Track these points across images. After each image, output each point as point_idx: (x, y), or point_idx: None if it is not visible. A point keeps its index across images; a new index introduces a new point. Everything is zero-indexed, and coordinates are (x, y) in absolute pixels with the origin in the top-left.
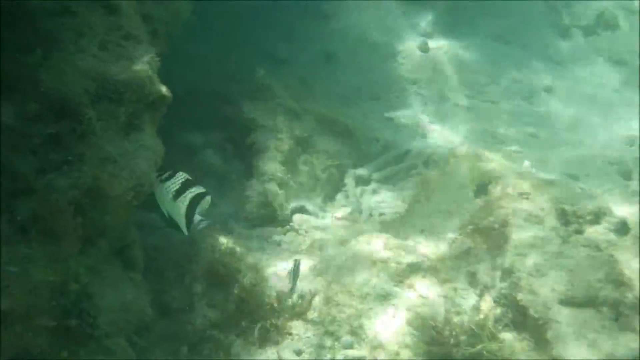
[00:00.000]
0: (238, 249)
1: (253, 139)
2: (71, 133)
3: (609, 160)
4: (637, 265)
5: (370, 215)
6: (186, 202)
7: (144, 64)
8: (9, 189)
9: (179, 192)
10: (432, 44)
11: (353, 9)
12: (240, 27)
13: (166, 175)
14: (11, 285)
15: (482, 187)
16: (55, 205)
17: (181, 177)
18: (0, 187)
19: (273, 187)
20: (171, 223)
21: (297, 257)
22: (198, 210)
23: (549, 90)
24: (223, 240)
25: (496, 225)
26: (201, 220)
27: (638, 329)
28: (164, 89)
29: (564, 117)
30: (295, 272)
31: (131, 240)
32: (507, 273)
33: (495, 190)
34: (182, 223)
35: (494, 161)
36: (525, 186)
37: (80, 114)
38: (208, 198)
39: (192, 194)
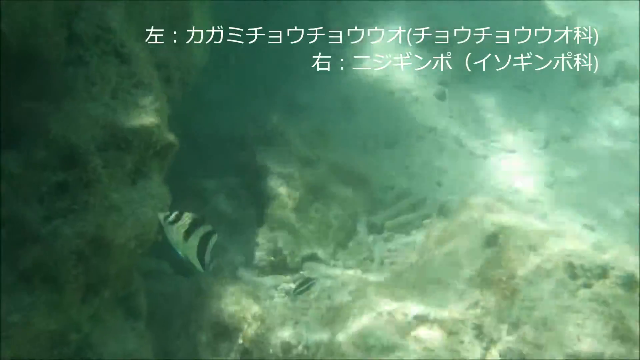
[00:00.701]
0: (244, 298)
1: (265, 186)
2: (77, 181)
3: (627, 211)
4: None
5: (382, 263)
6: (197, 242)
7: (153, 112)
8: (14, 238)
9: (189, 232)
10: (450, 91)
11: (371, 54)
12: (261, 72)
13: (173, 216)
14: (13, 335)
15: (492, 239)
16: (59, 254)
17: (188, 217)
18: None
19: (284, 234)
20: (186, 263)
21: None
22: (209, 248)
23: (567, 139)
24: (230, 289)
25: (504, 278)
26: (212, 259)
27: None
28: (171, 137)
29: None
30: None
31: (135, 289)
32: (514, 326)
33: (505, 242)
34: (196, 262)
35: (504, 212)
36: (534, 239)
37: (87, 162)
38: (215, 236)
39: (202, 233)
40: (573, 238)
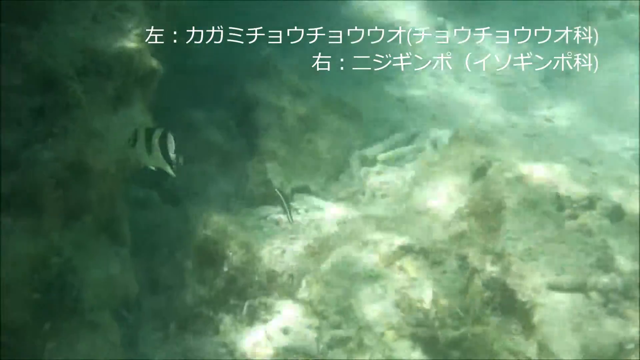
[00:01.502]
0: (230, 227)
1: (255, 117)
2: (56, 106)
3: (624, 146)
4: (630, 251)
5: (373, 196)
6: (158, 149)
7: (135, 38)
8: None
9: (148, 144)
10: (450, 24)
11: None
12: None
13: (132, 138)
14: None
15: (481, 171)
16: (38, 178)
17: (142, 131)
18: None
19: (274, 166)
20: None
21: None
22: (170, 149)
23: (567, 72)
24: (215, 218)
25: (490, 209)
26: (178, 159)
27: (625, 315)
28: (154, 63)
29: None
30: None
31: (118, 215)
32: (498, 257)
33: (493, 175)
34: (167, 168)
35: (495, 144)
36: (522, 170)
37: (66, 87)
38: (170, 135)
39: (157, 138)
40: (562, 171)
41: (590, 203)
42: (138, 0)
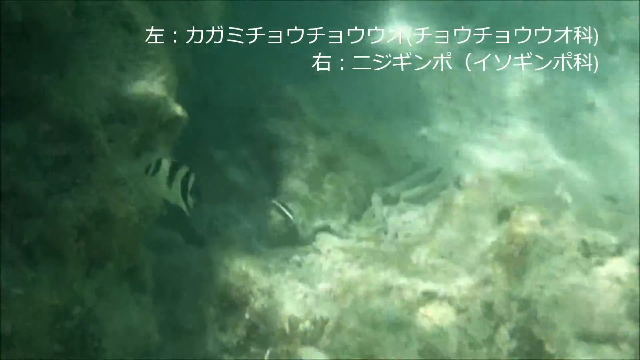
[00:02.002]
0: (252, 271)
1: (277, 157)
2: (81, 154)
3: None
4: None
5: (396, 236)
6: (179, 185)
7: (159, 85)
8: (18, 211)
9: (171, 178)
10: (471, 57)
11: (393, 18)
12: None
13: (152, 167)
14: (15, 308)
15: (505, 213)
16: (61, 228)
17: (166, 163)
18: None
19: (295, 205)
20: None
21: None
22: (188, 189)
23: (591, 108)
24: (237, 262)
25: (516, 254)
26: (192, 201)
27: None
28: (179, 110)
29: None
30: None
31: (140, 262)
32: (525, 304)
33: (518, 217)
34: (182, 205)
35: (519, 185)
36: (548, 214)
37: (90, 135)
38: (193, 175)
39: (182, 176)
40: (589, 213)
41: (617, 250)
42: (163, 48)
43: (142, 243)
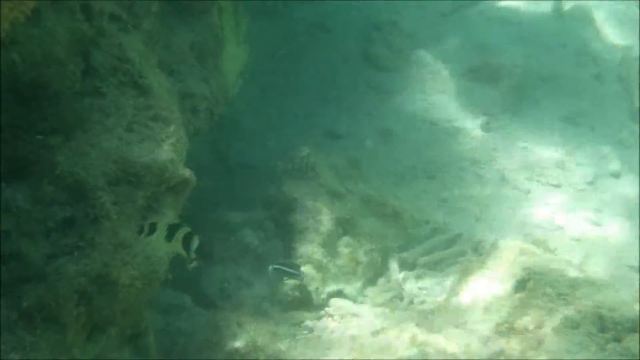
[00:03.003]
0: (260, 339)
1: (292, 220)
2: (84, 217)
3: None
4: None
5: (411, 302)
6: (180, 239)
7: (168, 147)
8: (18, 274)
9: (169, 238)
10: (495, 123)
11: (415, 84)
12: (301, 101)
13: (147, 228)
14: None
15: (522, 284)
16: (61, 293)
17: (163, 225)
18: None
19: (309, 270)
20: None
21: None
22: (192, 247)
23: (616, 175)
24: (247, 327)
25: (531, 327)
26: (193, 261)
27: None
28: (187, 173)
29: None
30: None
31: (144, 327)
32: None
33: (534, 289)
34: (183, 254)
35: (537, 256)
36: (564, 287)
37: (95, 198)
38: (196, 237)
39: (183, 234)
40: (606, 287)
41: (633, 325)
42: (175, 109)
43: (149, 305)
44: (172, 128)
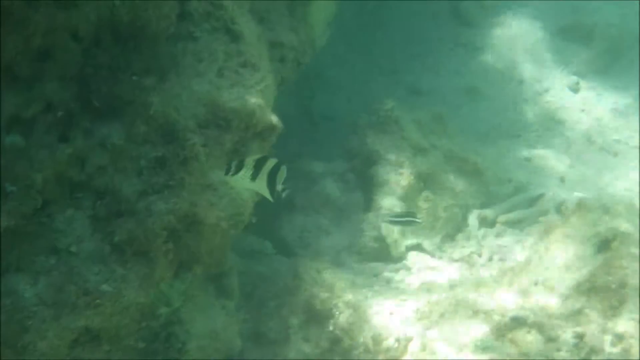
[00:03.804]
0: (338, 284)
1: (373, 172)
2: (175, 158)
3: None
4: None
5: (490, 259)
6: (265, 176)
7: (257, 93)
8: (112, 210)
9: (255, 174)
10: (585, 84)
11: (504, 42)
12: (387, 56)
13: (233, 168)
14: (103, 304)
15: (605, 244)
16: (151, 229)
17: (251, 161)
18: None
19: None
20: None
21: None
22: (279, 178)
23: None
24: (326, 274)
25: (613, 286)
26: (284, 189)
27: None
28: (274, 119)
29: None
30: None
31: (228, 268)
32: (619, 338)
33: (618, 249)
34: (265, 192)
35: (622, 216)
36: None
37: (185, 139)
38: (284, 167)
39: (269, 167)
40: None
41: None
42: (264, 57)
43: (232, 249)
44: (261, 75)
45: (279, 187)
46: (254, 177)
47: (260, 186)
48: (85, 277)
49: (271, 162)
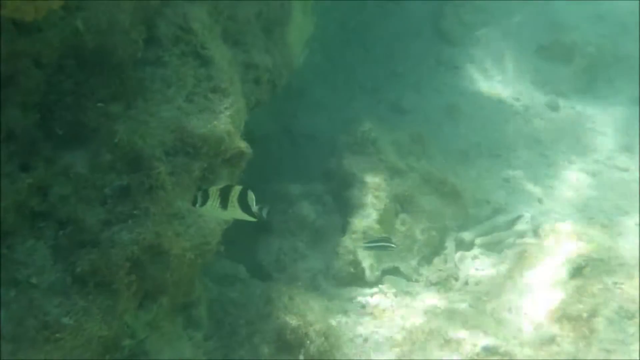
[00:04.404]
0: (311, 313)
1: (350, 194)
2: (140, 186)
3: None
4: None
5: (466, 283)
6: (236, 203)
7: (226, 119)
8: (75, 240)
9: (224, 202)
10: (564, 102)
11: (484, 60)
12: (369, 74)
13: (200, 199)
14: (64, 337)
15: (578, 270)
16: (113, 259)
17: (215, 191)
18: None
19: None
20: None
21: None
22: (250, 200)
23: None
24: (298, 300)
25: (585, 315)
26: (261, 208)
27: None
28: (243, 145)
29: None
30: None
31: (196, 298)
32: None
33: (589, 276)
34: (244, 217)
35: (595, 243)
36: (621, 276)
37: (151, 168)
38: (250, 192)
39: (237, 194)
40: None
41: None
42: (236, 80)
43: (204, 274)
44: (230, 100)
45: (255, 208)
46: (224, 206)
47: (235, 213)
48: (45, 309)
49: (237, 190)
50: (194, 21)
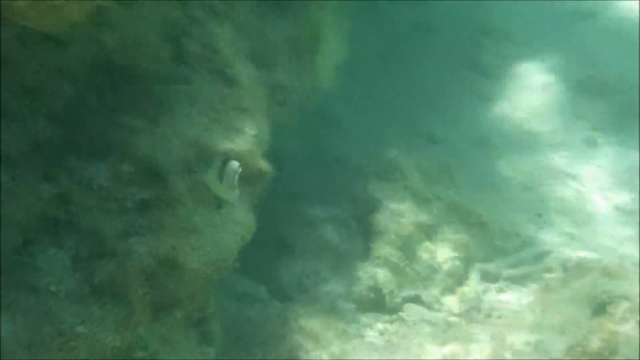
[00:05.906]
0: (324, 335)
1: (373, 220)
2: (159, 200)
3: None
4: None
5: (489, 316)
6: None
7: (247, 138)
8: (94, 250)
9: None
10: (601, 138)
11: (521, 95)
12: (405, 104)
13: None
14: (78, 346)
15: (601, 307)
16: (129, 271)
17: (219, 162)
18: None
19: (385, 272)
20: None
21: None
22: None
23: None
24: (314, 323)
25: (606, 353)
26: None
27: None
28: (263, 165)
29: None
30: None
31: (210, 314)
32: None
33: (613, 314)
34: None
35: (620, 279)
36: None
37: (170, 183)
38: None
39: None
40: None
41: None
42: (261, 101)
43: (224, 292)
44: (254, 119)
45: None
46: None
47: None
48: (61, 317)
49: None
50: (221, 41)
